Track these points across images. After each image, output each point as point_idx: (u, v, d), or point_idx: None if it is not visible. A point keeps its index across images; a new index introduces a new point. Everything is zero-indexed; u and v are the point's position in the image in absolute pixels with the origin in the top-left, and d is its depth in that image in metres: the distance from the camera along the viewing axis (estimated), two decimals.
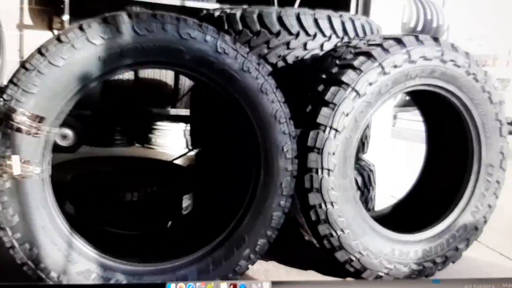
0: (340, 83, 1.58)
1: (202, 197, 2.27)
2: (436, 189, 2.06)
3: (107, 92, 4.11)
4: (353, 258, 1.67)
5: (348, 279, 1.68)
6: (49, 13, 4.34)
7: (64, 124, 4.00)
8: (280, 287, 0.77)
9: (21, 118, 1.32)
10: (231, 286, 0.73)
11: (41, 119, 1.34)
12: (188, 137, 4.09)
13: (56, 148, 3.89)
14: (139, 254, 1.64)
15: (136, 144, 4.50)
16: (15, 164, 1.30)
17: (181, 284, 0.73)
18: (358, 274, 1.72)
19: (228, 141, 2.02)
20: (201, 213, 2.18)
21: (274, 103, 1.53)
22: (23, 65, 1.35)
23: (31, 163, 1.34)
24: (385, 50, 1.59)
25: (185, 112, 4.05)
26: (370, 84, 1.57)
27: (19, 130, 1.31)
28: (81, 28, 1.36)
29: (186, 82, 4.18)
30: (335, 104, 1.57)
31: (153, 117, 4.35)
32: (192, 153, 2.74)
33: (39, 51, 1.35)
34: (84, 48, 1.35)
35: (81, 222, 1.80)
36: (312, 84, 1.70)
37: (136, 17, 1.38)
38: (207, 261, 1.54)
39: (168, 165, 2.80)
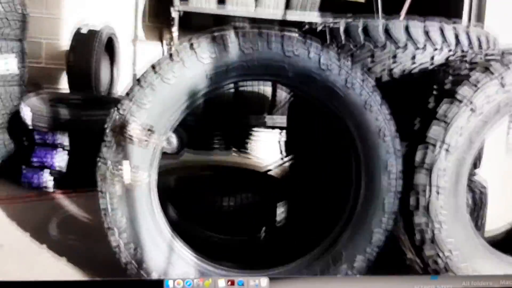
0: (453, 98, 1.48)
1: (297, 208, 2.26)
2: None
3: (209, 101, 4.27)
4: None
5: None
6: (160, 28, 4.65)
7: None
8: (277, 282, 0.75)
9: (134, 130, 1.41)
10: (229, 282, 0.71)
11: (151, 131, 1.43)
12: (283, 146, 4.11)
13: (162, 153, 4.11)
14: (232, 259, 1.67)
15: (233, 149, 4.63)
16: (126, 171, 1.40)
17: (179, 280, 0.72)
18: None
19: (326, 153, 1.99)
20: (296, 223, 2.17)
21: (379, 120, 1.48)
22: (138, 81, 1.45)
23: (140, 171, 1.43)
24: (505, 65, 1.46)
25: (281, 120, 4.09)
26: (488, 102, 1.45)
27: (131, 140, 1.41)
28: (191, 46, 1.42)
29: (283, 93, 4.22)
30: (447, 121, 1.47)
31: (250, 124, 4.44)
32: (287, 163, 2.75)
33: (153, 68, 1.44)
34: (194, 66, 1.41)
35: (180, 225, 1.91)
36: (420, 98, 1.61)
37: (242, 36, 1.42)
38: (303, 274, 1.52)
39: (263, 174, 2.84)
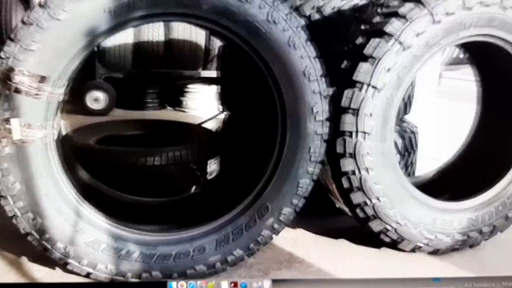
0: (382, 34, 1.37)
1: (229, 162, 2.15)
2: (486, 152, 1.85)
3: (139, 54, 4.00)
4: (389, 228, 1.52)
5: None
6: None
7: (96, 87, 4.01)
8: (281, 284, 0.72)
9: (20, 77, 1.20)
10: (232, 284, 0.68)
11: (42, 79, 1.22)
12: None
13: (89, 111, 3.88)
14: (158, 223, 1.54)
15: (168, 107, 4.42)
16: (14, 128, 1.20)
17: (182, 282, 0.68)
18: (394, 244, 1.59)
19: (256, 102, 1.86)
20: (227, 179, 2.06)
21: (304, 58, 1.34)
22: (22, 19, 1.22)
23: (32, 126, 1.22)
24: None
25: (216, 74, 3.91)
26: (417, 34, 1.35)
27: (18, 91, 1.20)
28: None
29: (218, 43, 4.01)
30: (375, 58, 1.36)
31: (184, 79, 4.23)
32: (222, 116, 2.61)
33: (39, 3, 1.21)
34: None
35: (96, 189, 1.73)
36: (350, 37, 1.50)
37: None
38: (227, 231, 1.42)
39: (195, 128, 2.68)
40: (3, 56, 1.20)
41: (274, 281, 0.70)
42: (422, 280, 1.01)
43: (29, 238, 1.29)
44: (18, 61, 1.20)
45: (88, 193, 1.44)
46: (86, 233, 1.30)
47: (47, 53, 1.22)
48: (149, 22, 1.39)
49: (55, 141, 1.31)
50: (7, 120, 1.20)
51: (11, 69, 1.19)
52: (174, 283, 0.72)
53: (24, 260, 1.44)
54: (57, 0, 1.19)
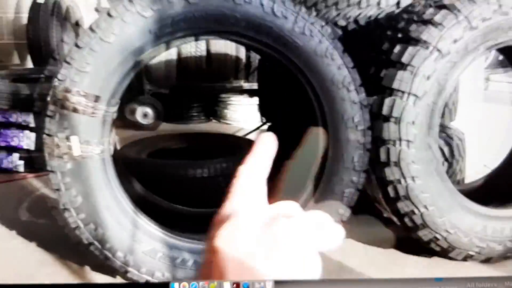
0: (419, 42, 1.37)
1: (273, 173, 2.17)
2: None
3: (183, 69, 4.13)
4: (439, 237, 1.49)
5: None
6: None
7: (144, 103, 4.15)
8: (283, 286, 0.72)
9: (76, 98, 1.29)
10: (234, 285, 0.68)
11: (97, 98, 1.31)
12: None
13: (138, 126, 4.02)
14: (207, 233, 1.59)
15: (213, 120, 4.52)
16: (74, 144, 1.29)
17: (184, 282, 0.70)
18: (445, 253, 1.56)
19: (296, 112, 1.89)
20: (272, 190, 2.09)
21: (342, 69, 1.36)
22: (75, 43, 1.32)
23: (90, 143, 1.31)
24: (471, 1, 1.35)
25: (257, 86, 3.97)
26: (455, 41, 1.35)
27: (75, 110, 1.29)
28: (130, 0, 1.29)
29: (258, 56, 4.08)
30: (414, 67, 1.36)
31: (227, 92, 4.31)
32: (265, 127, 2.65)
33: (91, 27, 1.31)
34: (134, 21, 1.28)
35: (150, 201, 1.81)
36: (386, 46, 1.50)
37: None
38: None
39: (239, 140, 2.74)
40: (60, 78, 1.30)
41: (277, 282, 0.71)
42: (425, 280, 1.01)
43: (91, 248, 1.37)
44: (74, 82, 1.29)
45: (142, 204, 1.52)
46: (143, 242, 1.37)
47: (100, 74, 1.30)
48: (190, 41, 1.45)
49: (111, 156, 1.39)
50: (67, 138, 1.29)
51: (68, 90, 1.29)
52: (176, 284, 0.74)
53: (87, 269, 1.51)
54: (106, 24, 1.28)
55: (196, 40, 1.34)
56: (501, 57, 5.10)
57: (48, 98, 1.32)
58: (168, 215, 1.77)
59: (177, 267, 1.38)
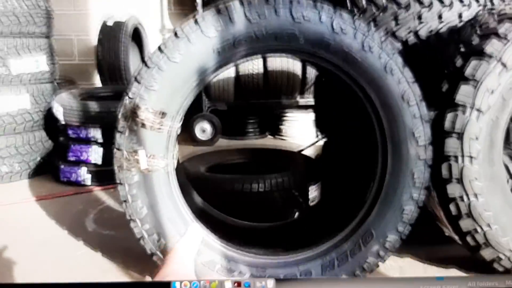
0: (482, 55, 1.34)
1: (330, 188, 2.17)
2: None
3: (240, 87, 4.23)
4: (503, 257, 1.43)
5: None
6: (186, 14, 4.62)
7: (203, 119, 4.28)
8: (284, 284, 0.75)
9: (145, 114, 1.37)
10: (235, 284, 0.72)
11: (163, 115, 1.38)
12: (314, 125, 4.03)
13: (197, 141, 4.14)
14: (265, 246, 1.62)
15: (268, 135, 4.57)
16: (141, 158, 1.36)
17: (186, 282, 0.74)
18: (508, 273, 1.48)
19: (354, 128, 1.89)
20: (329, 204, 2.09)
21: (402, 83, 1.36)
22: (145, 63, 1.41)
23: (156, 157, 1.38)
24: None
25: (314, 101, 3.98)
26: None
27: (144, 126, 1.37)
28: (196, 21, 1.36)
29: (313, 71, 4.10)
30: (477, 80, 1.33)
31: (282, 107, 4.36)
32: (321, 142, 2.66)
33: (159, 48, 1.39)
34: (199, 41, 1.35)
35: (209, 214, 1.86)
36: (449, 59, 1.48)
37: (248, 4, 1.34)
38: (332, 256, 1.44)
39: (295, 155, 2.76)
40: (131, 96, 1.39)
41: (278, 280, 0.72)
42: (426, 279, 0.98)
43: (154, 258, 1.43)
44: (143, 99, 1.37)
45: (202, 216, 1.58)
46: (202, 253, 1.41)
47: (166, 91, 1.37)
48: (251, 58, 1.50)
49: (174, 169, 1.46)
50: (135, 152, 1.37)
51: (137, 107, 1.37)
52: (177, 283, 0.77)
53: (148, 278, 1.59)
54: (173, 44, 1.36)
55: (256, 57, 1.38)
56: None
57: (119, 115, 1.42)
58: (225, 228, 1.82)
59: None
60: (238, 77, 4.16)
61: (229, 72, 4.09)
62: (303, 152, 2.96)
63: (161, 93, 1.37)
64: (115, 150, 1.41)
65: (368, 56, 1.35)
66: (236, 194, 2.10)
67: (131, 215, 1.39)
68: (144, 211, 1.38)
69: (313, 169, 2.42)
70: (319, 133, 2.68)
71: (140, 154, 1.37)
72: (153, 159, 1.38)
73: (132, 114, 1.38)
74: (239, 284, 0.82)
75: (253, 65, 4.09)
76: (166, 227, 1.39)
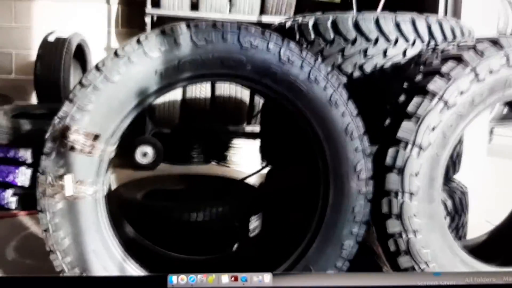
0: (425, 93, 1.37)
1: (271, 219, 2.13)
2: None
3: (186, 110, 4.16)
4: None
5: None
6: (133, 34, 4.52)
7: (145, 142, 4.15)
8: (281, 278, 0.72)
9: (75, 136, 1.27)
10: (232, 278, 0.68)
11: (95, 137, 1.29)
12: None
13: (137, 166, 4.00)
14: None
15: (213, 162, 4.50)
16: (67, 184, 1.25)
17: (183, 276, 0.68)
18: None
19: (298, 158, 1.87)
20: (269, 236, 2.04)
21: (345, 116, 1.35)
22: (80, 81, 1.31)
23: (84, 183, 1.28)
24: (479, 53, 1.36)
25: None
26: (461, 93, 1.34)
27: (73, 148, 1.27)
28: (138, 41, 1.29)
29: (261, 99, 4.11)
30: (419, 117, 1.35)
31: (228, 134, 4.32)
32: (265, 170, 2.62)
33: (97, 66, 1.30)
34: (141, 61, 1.28)
35: (141, 245, 1.75)
36: (392, 95, 1.50)
37: (194, 27, 1.30)
38: None
39: (238, 184, 2.70)
40: (61, 115, 1.28)
41: (275, 275, 0.68)
42: (424, 274, 0.98)
43: None
44: (74, 120, 1.27)
45: (132, 249, 1.47)
46: None
47: (101, 112, 1.28)
48: (196, 83, 1.45)
49: (104, 197, 1.35)
50: (60, 177, 1.26)
51: (67, 128, 1.27)
52: (174, 277, 0.71)
53: None
54: (112, 63, 1.28)
55: (201, 82, 1.34)
56: (505, 111, 5.13)
57: (47, 135, 1.30)
58: (157, 261, 1.72)
59: None
60: (184, 100, 4.09)
61: (175, 94, 4.02)
62: (246, 181, 2.92)
63: (95, 114, 1.28)
64: (38, 174, 1.29)
65: (313, 87, 1.34)
66: (174, 223, 2.00)
67: (51, 246, 1.27)
68: (66, 242, 1.27)
69: (255, 199, 2.37)
70: (264, 161, 2.65)
71: (66, 179, 1.26)
72: (80, 185, 1.27)
73: (61, 135, 1.28)
74: (236, 278, 0.78)
75: (200, 89, 4.04)
76: (90, 260, 1.28)
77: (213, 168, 4.30)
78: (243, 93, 4.17)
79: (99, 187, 1.32)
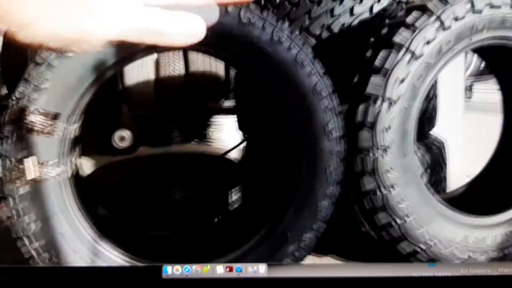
0: (392, 45, 1.33)
1: (251, 191, 2.11)
2: None
3: (161, 90, 4.07)
4: (419, 250, 1.42)
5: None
6: None
7: (121, 126, 4.07)
8: (276, 269, 0.70)
9: (33, 117, 1.21)
10: (227, 268, 0.66)
11: (55, 117, 1.23)
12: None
13: (115, 151, 3.92)
14: (179, 257, 1.51)
15: (194, 141, 4.45)
16: (28, 167, 1.20)
17: (177, 266, 0.66)
18: None
19: (274, 128, 1.84)
20: (249, 208, 2.02)
21: (312, 76, 1.31)
22: (33, 60, 1.25)
23: (47, 165, 1.23)
24: (443, 2, 1.33)
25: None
26: (428, 42, 1.31)
27: (32, 129, 1.21)
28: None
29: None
30: (387, 70, 1.32)
31: (207, 111, 4.26)
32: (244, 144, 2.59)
33: None
34: None
35: (117, 226, 1.72)
36: (359, 51, 1.47)
37: None
38: (247, 261, 1.36)
39: (216, 160, 2.67)
40: (17, 96, 1.23)
41: (269, 265, 0.67)
42: (418, 265, 0.98)
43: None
44: (30, 100, 1.21)
45: (107, 230, 1.44)
46: None
47: (59, 90, 1.23)
48: (156, 52, 1.39)
49: (70, 178, 1.31)
50: (20, 160, 1.21)
51: (24, 109, 1.21)
52: (169, 267, 0.70)
53: None
54: None
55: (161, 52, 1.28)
56: (482, 66, 5.13)
57: (5, 118, 1.25)
58: (134, 240, 1.69)
59: None
60: (158, 80, 4.00)
61: (148, 74, 3.93)
62: (226, 156, 2.88)
63: (52, 93, 1.23)
64: None
65: (277, 48, 1.29)
66: (151, 202, 1.96)
67: (17, 232, 1.22)
68: (32, 227, 1.22)
69: (235, 173, 2.35)
70: (242, 135, 2.62)
71: (26, 162, 1.20)
72: (42, 168, 1.22)
73: (19, 117, 1.22)
74: (231, 269, 0.78)
75: (174, 67, 3.96)
76: (59, 244, 1.24)
77: (195, 147, 4.25)
78: (219, 68, 4.10)
79: (63, 168, 1.27)
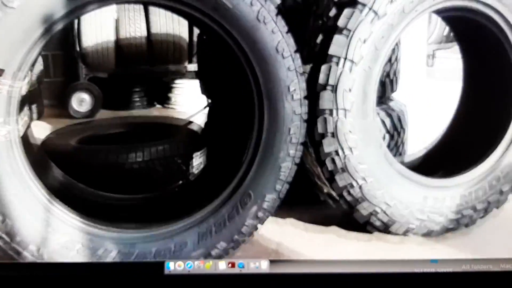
0: (355, 4, 1.30)
1: (215, 154, 2.09)
2: (475, 128, 1.78)
3: (122, 52, 3.93)
4: (379, 210, 1.45)
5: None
6: None
7: (80, 88, 3.92)
8: (278, 265, 0.70)
9: None
10: (230, 264, 0.66)
11: (0, 72, 1.15)
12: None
13: (74, 114, 3.78)
14: (139, 220, 1.48)
15: (157, 105, 4.34)
16: None
17: (180, 262, 0.65)
18: (386, 228, 1.51)
19: (237, 90, 1.80)
20: (213, 170, 2.00)
21: (275, 33, 1.27)
22: None
23: None
24: None
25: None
26: (391, 1, 1.29)
27: None
28: None
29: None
30: (349, 30, 1.29)
31: (170, 74, 4.15)
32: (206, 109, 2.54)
33: None
34: None
35: (72, 189, 1.66)
36: (322, 11, 1.43)
37: None
38: (209, 223, 1.35)
39: (179, 123, 2.62)
40: None
41: (272, 261, 0.67)
42: (420, 261, 1.00)
43: (0, 243, 1.21)
44: None
45: (62, 192, 1.39)
46: (59, 233, 1.23)
47: (3, 44, 1.14)
48: (107, 5, 1.31)
49: (20, 137, 1.24)
50: None
51: None
52: (171, 263, 0.69)
53: None
54: None
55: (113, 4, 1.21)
56: (446, 32, 5.18)
57: None
58: (91, 204, 1.64)
59: (98, 259, 1.25)
60: (118, 41, 3.85)
61: (108, 35, 3.76)
62: (190, 120, 2.83)
63: None
64: None
65: (239, 3, 1.24)
66: (111, 166, 1.91)
67: None
68: None
69: (198, 136, 2.30)
70: (205, 99, 2.56)
71: None
72: None
73: None
74: (233, 264, 0.77)
75: (135, 27, 3.81)
76: (12, 205, 1.18)
77: (157, 111, 4.16)
78: (182, 30, 3.97)
79: (13, 127, 1.19)
